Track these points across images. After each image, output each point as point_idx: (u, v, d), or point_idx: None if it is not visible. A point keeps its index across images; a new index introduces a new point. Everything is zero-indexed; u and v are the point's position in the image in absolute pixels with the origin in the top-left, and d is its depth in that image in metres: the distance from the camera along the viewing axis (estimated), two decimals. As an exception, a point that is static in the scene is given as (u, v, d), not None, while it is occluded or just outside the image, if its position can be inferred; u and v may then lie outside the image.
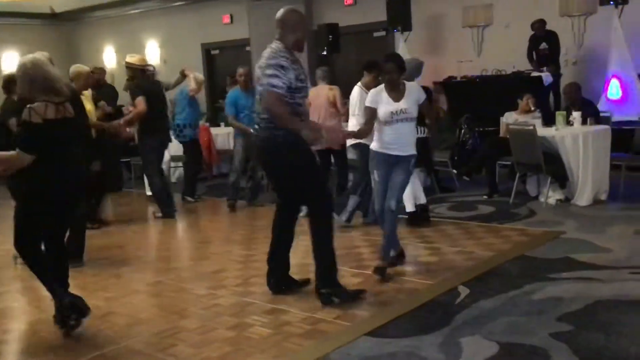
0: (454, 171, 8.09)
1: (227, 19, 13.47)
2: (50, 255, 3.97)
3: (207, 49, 14.15)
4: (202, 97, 11.35)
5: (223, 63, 13.88)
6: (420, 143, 5.18)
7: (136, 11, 14.50)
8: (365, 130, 4.84)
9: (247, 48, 12.07)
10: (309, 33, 11.43)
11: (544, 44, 9.30)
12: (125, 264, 5.52)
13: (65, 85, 3.96)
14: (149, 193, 7.86)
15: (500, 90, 8.79)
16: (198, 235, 6.91)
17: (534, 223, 6.08)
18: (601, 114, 7.42)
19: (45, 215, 3.81)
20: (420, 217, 6.13)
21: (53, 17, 15.39)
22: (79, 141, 4.05)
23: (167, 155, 8.53)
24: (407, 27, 10.39)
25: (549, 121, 7.29)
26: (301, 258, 5.14)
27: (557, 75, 9.11)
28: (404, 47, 10.05)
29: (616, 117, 7.94)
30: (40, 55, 4.17)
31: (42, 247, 3.95)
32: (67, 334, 3.86)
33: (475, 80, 9.62)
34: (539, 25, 9.22)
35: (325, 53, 11.07)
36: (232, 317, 4.07)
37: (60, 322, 3.89)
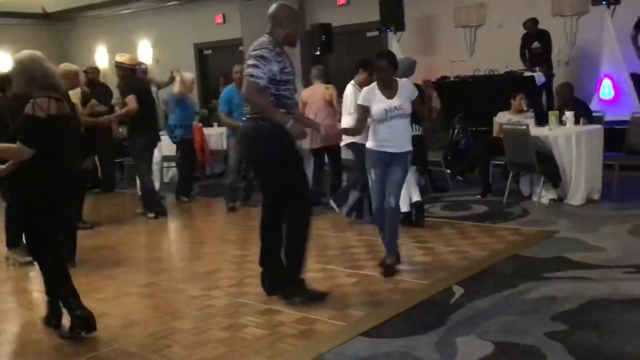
0: (448, 171, 8.10)
1: (219, 19, 13.45)
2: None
3: (199, 49, 14.13)
4: (194, 97, 11.31)
5: (216, 63, 13.85)
6: (415, 141, 5.18)
7: (128, 11, 14.45)
8: (358, 128, 4.84)
9: (240, 48, 12.04)
10: (303, 30, 11.46)
11: (536, 42, 9.33)
12: (118, 265, 5.49)
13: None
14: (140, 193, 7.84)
15: (493, 90, 8.82)
16: (192, 235, 6.88)
17: (527, 222, 6.09)
18: (594, 114, 7.44)
19: (47, 215, 3.75)
20: (416, 215, 6.13)
21: (45, 17, 15.32)
22: (75, 138, 4.03)
23: (158, 155, 8.52)
24: (400, 27, 10.41)
25: (541, 121, 7.31)
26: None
27: (549, 75, 9.14)
28: (397, 47, 10.05)
29: (608, 117, 7.96)
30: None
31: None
32: (63, 337, 3.84)
33: (468, 80, 9.65)
34: (531, 23, 9.25)
35: (318, 53, 11.07)
36: (226, 318, 4.05)
37: (53, 325, 3.87)
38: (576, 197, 6.56)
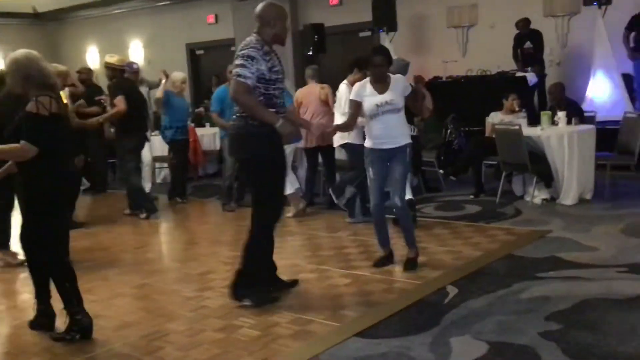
0: (441, 171, 8.11)
1: (211, 19, 13.43)
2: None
3: (191, 49, 14.10)
4: (186, 97, 11.27)
5: (208, 63, 13.82)
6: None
7: (120, 11, 14.41)
8: (350, 124, 4.84)
9: (232, 48, 11.99)
10: (296, 31, 11.46)
11: (528, 43, 9.37)
12: (110, 266, 5.46)
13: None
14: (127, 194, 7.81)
15: (486, 91, 8.86)
16: (185, 236, 6.85)
17: (520, 222, 6.10)
18: (585, 114, 7.48)
19: (48, 216, 3.71)
20: None
21: (35, 17, 15.25)
22: (71, 137, 4.02)
23: (148, 156, 8.49)
24: (392, 27, 10.43)
25: (534, 121, 7.34)
26: (288, 259, 5.13)
27: (541, 75, 9.18)
28: (390, 47, 9.99)
29: (600, 117, 8.00)
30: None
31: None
32: (55, 339, 3.81)
33: (460, 81, 9.67)
34: (523, 23, 9.29)
35: (311, 53, 11.07)
36: (220, 319, 4.04)
37: (46, 327, 3.84)
38: (568, 196, 6.58)
